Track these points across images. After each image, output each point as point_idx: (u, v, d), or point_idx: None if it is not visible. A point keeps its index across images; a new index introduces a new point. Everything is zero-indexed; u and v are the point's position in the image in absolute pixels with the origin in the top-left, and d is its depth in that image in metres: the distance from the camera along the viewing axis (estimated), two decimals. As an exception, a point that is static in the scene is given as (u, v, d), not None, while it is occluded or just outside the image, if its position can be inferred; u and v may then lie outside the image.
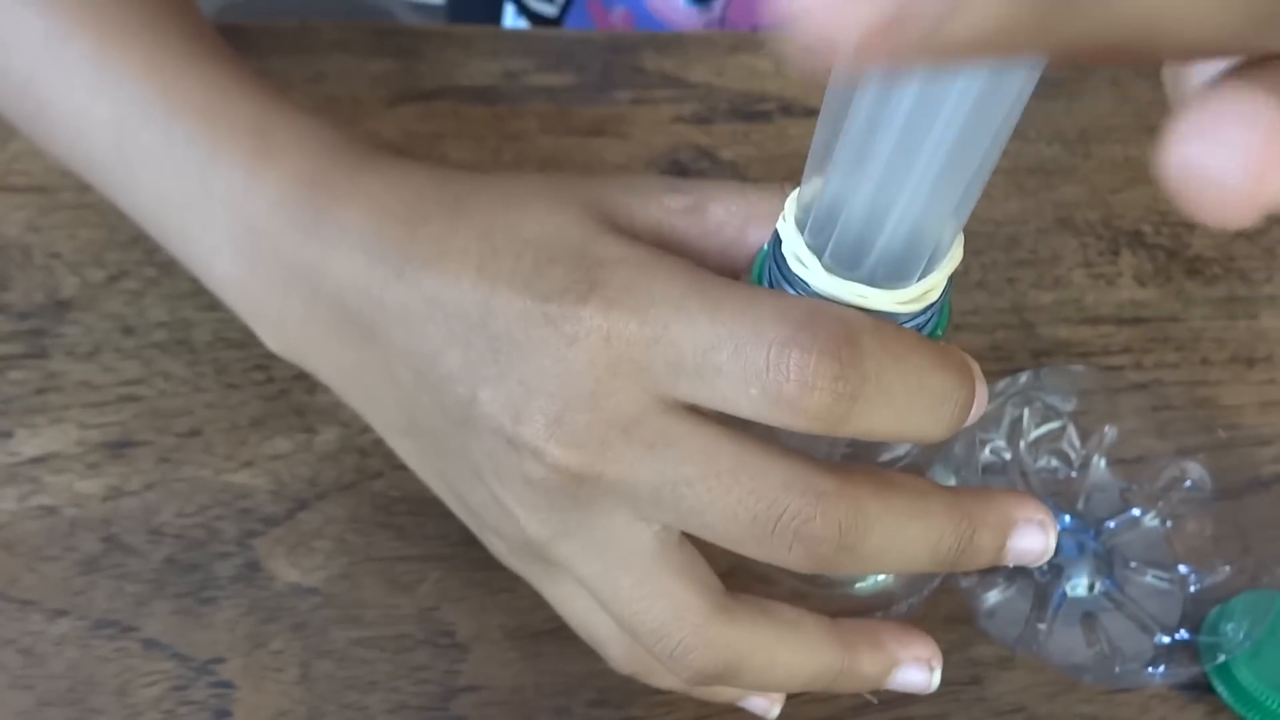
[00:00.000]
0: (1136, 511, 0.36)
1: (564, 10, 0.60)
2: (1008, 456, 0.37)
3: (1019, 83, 0.17)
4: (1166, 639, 0.33)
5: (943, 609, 0.34)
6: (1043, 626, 0.33)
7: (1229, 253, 0.44)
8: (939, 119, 0.18)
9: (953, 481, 0.33)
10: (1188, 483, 0.36)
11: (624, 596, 0.24)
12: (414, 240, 0.25)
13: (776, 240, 0.22)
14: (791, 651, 0.24)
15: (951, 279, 0.22)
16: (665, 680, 0.28)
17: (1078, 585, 0.35)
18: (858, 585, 0.28)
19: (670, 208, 0.25)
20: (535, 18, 0.61)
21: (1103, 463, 0.37)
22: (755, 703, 0.29)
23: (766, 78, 0.46)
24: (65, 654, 0.30)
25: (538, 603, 0.28)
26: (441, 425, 0.26)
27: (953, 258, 0.21)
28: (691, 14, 0.58)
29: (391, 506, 0.34)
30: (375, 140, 0.42)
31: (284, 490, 0.34)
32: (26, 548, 0.32)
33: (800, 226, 0.22)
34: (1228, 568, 0.34)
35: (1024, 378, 0.37)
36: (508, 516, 0.25)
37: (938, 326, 0.23)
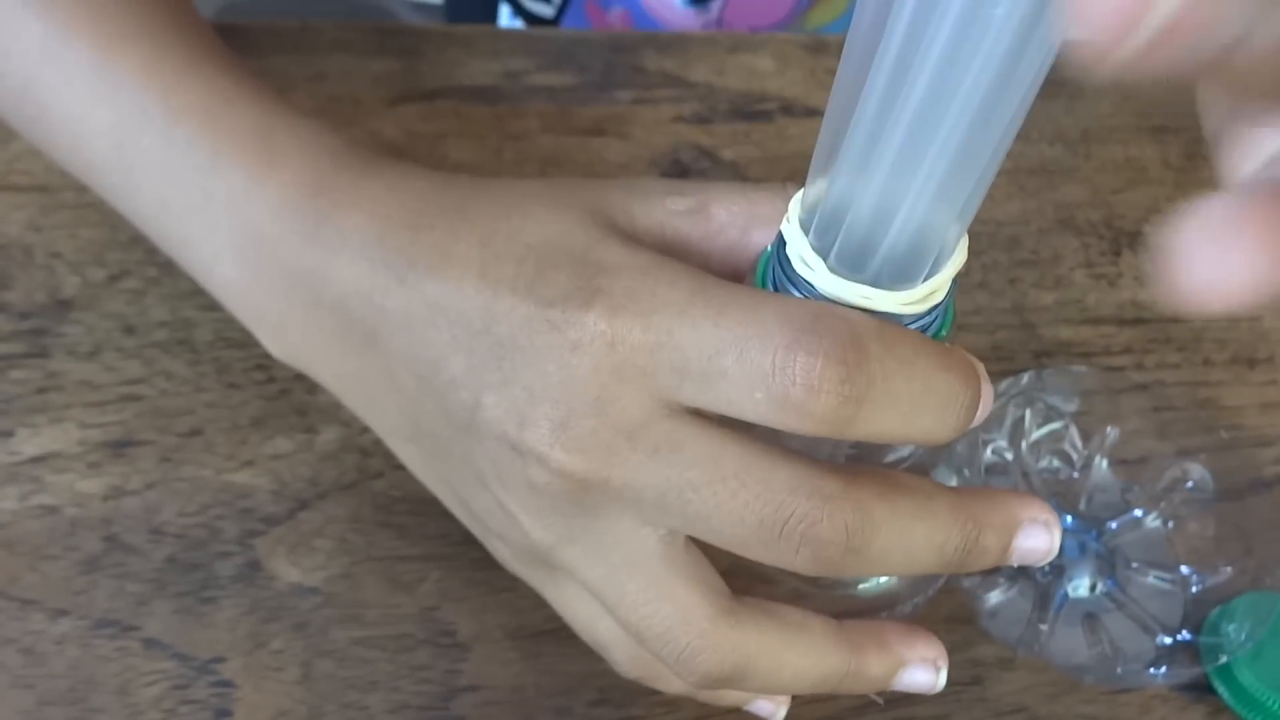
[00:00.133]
0: (1138, 512, 0.36)
1: (561, 11, 0.60)
2: (1010, 457, 0.37)
3: (1025, 84, 0.17)
4: (1168, 640, 0.33)
5: (944, 609, 0.34)
6: (1044, 627, 0.33)
7: (1230, 253, 0.44)
8: (945, 121, 0.18)
9: (955, 482, 0.33)
10: (1189, 483, 0.36)
11: (629, 601, 0.24)
12: (416, 246, 0.25)
13: (781, 242, 0.22)
14: (798, 654, 0.24)
15: (956, 280, 0.22)
16: (670, 685, 0.28)
17: (1079, 586, 0.35)
18: (861, 586, 0.28)
19: (673, 210, 0.25)
20: (531, 18, 0.61)
21: (1104, 463, 0.37)
22: (761, 706, 0.29)
23: (767, 77, 0.46)
24: (66, 653, 0.30)
25: (538, 602, 0.28)
26: (445, 431, 0.26)
27: (957, 259, 0.21)
28: (689, 15, 0.58)
29: (392, 506, 0.34)
30: (376, 140, 0.42)
31: (285, 490, 0.34)
32: (27, 547, 0.32)
33: (805, 228, 0.22)
34: (1229, 569, 0.34)
35: (1026, 378, 0.37)
36: (512, 522, 0.25)
37: (942, 327, 0.23)
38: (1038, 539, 0.24)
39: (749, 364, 0.21)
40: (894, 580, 0.29)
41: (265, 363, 0.36)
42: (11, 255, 0.37)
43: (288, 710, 0.30)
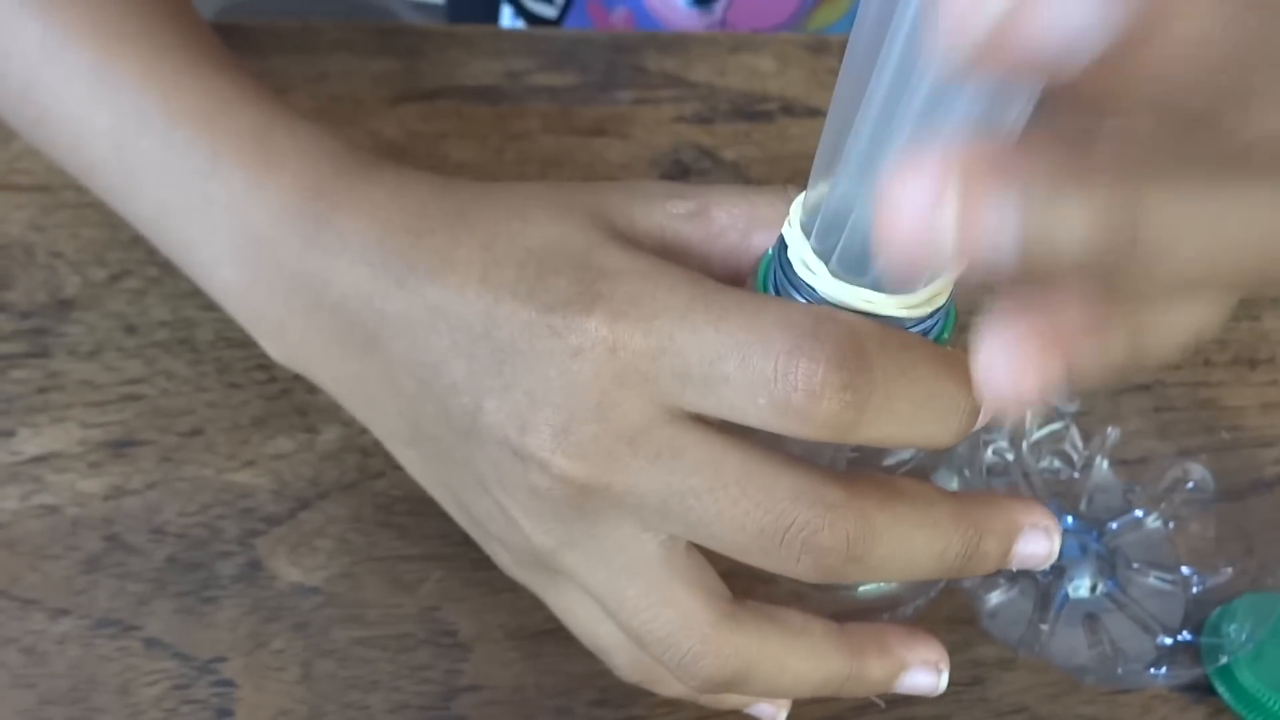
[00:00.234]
0: (1139, 513, 0.36)
1: (563, 12, 0.60)
2: (1010, 457, 0.37)
3: (1030, 89, 0.17)
4: (1169, 640, 0.34)
5: (945, 610, 0.34)
6: (1045, 627, 0.33)
7: (1231, 254, 0.44)
8: (949, 122, 0.18)
9: (957, 483, 0.33)
10: (1190, 484, 0.36)
11: (631, 606, 0.24)
12: (417, 251, 0.25)
13: (782, 245, 0.22)
14: (799, 658, 0.24)
15: (956, 283, 0.22)
16: (671, 689, 0.28)
17: (1080, 586, 0.35)
18: (862, 589, 0.28)
19: (673, 213, 0.25)
20: (533, 19, 0.61)
21: (1105, 464, 0.37)
22: (762, 708, 0.29)
23: (768, 77, 0.46)
24: (67, 653, 0.30)
25: (539, 603, 0.28)
26: (445, 435, 0.26)
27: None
28: (692, 16, 0.58)
29: (393, 506, 0.34)
30: (377, 140, 0.42)
31: (286, 490, 0.34)
32: (28, 547, 0.32)
33: (806, 231, 0.22)
34: (1230, 569, 0.35)
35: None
36: (513, 526, 0.25)
37: (944, 331, 0.22)
38: (1038, 544, 0.24)
39: (751, 369, 0.21)
40: (895, 584, 0.29)
41: (266, 362, 0.36)
42: (13, 255, 0.37)
43: (289, 710, 0.30)
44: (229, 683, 0.30)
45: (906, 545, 0.22)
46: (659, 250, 0.25)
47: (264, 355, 0.29)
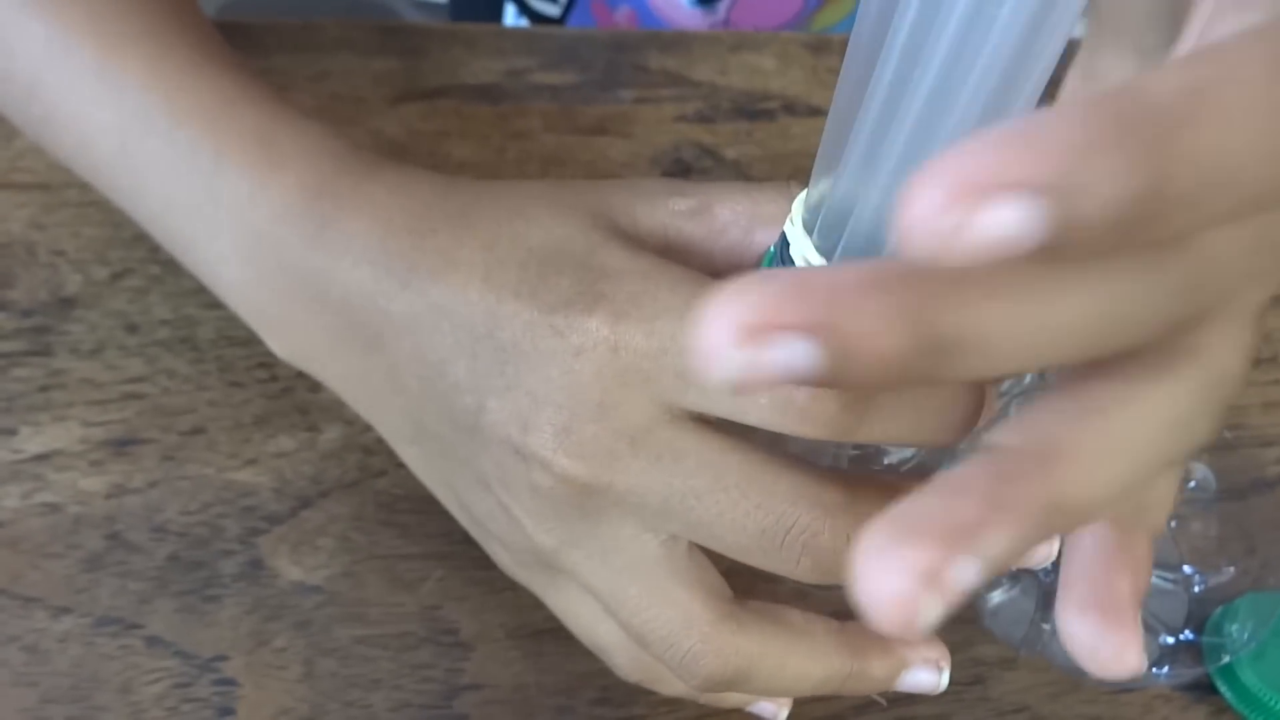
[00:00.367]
0: (1140, 512, 0.36)
1: (567, 10, 0.60)
2: (1012, 456, 0.37)
3: (1030, 83, 0.17)
4: (1171, 639, 0.33)
5: (946, 609, 0.34)
6: (1047, 626, 0.33)
7: (1233, 253, 0.44)
8: (950, 120, 0.18)
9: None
10: (1192, 483, 0.36)
11: (632, 605, 0.24)
12: (420, 251, 0.25)
13: (784, 242, 0.22)
14: (801, 657, 0.24)
15: None
16: (672, 688, 0.28)
17: (1081, 585, 0.35)
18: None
19: (675, 210, 0.25)
20: (537, 17, 0.61)
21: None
22: (763, 707, 0.29)
23: (770, 76, 0.46)
24: (69, 651, 0.30)
25: (540, 601, 0.28)
26: (449, 433, 0.26)
27: None
28: (695, 15, 0.58)
29: (395, 504, 0.34)
30: (379, 139, 0.42)
31: (287, 488, 0.34)
32: (30, 545, 0.32)
33: (808, 228, 0.22)
34: (1232, 568, 0.34)
35: (1029, 378, 0.37)
36: (515, 526, 0.25)
37: None
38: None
39: None
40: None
41: (268, 361, 0.36)
42: (14, 253, 0.37)
43: (290, 708, 0.30)
44: (230, 681, 0.30)
45: None
46: (661, 248, 0.25)
47: (266, 354, 0.29)
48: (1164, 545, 0.36)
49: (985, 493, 0.14)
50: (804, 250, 0.22)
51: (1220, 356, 0.16)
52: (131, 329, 0.36)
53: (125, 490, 0.33)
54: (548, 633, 0.32)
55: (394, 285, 0.25)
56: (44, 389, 0.34)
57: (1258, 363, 0.41)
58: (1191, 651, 0.33)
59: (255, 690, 0.30)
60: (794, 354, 0.13)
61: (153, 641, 0.31)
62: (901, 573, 0.13)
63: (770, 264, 0.23)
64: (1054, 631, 0.33)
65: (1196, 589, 0.35)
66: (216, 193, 0.28)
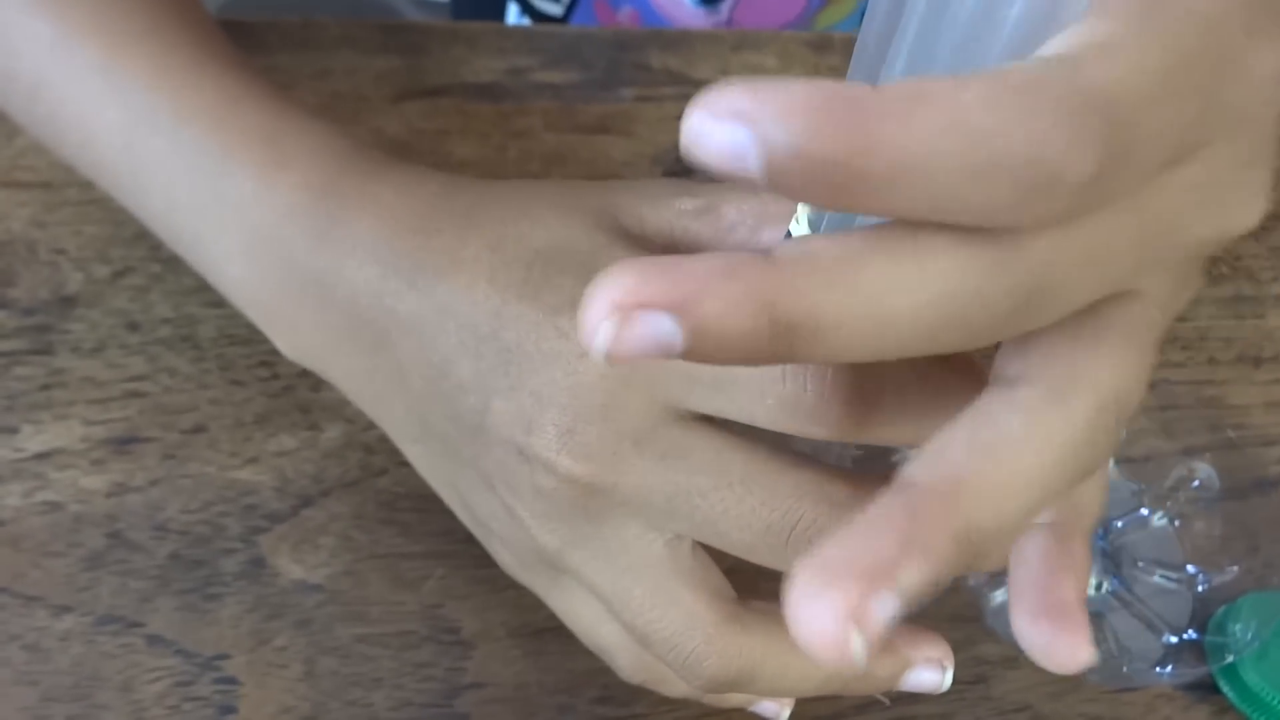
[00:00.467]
0: (1144, 511, 0.36)
1: (569, 9, 0.60)
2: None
3: None
4: (1174, 639, 0.33)
5: (949, 607, 0.34)
6: (1049, 626, 0.33)
7: (1236, 252, 0.44)
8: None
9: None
10: (1195, 482, 0.36)
11: (636, 605, 0.24)
12: (426, 251, 0.25)
13: None
14: (804, 658, 0.24)
15: None
16: (674, 689, 0.28)
17: (1084, 585, 0.34)
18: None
19: (682, 210, 0.25)
20: (539, 16, 0.61)
21: (1110, 462, 0.37)
22: (766, 706, 0.29)
23: (772, 75, 0.46)
24: (70, 650, 0.30)
25: (542, 600, 0.28)
26: (453, 433, 0.26)
27: None
28: (698, 14, 0.58)
29: (396, 503, 0.34)
30: (380, 137, 0.42)
31: (288, 487, 0.34)
32: (31, 543, 0.32)
33: (814, 227, 0.22)
34: (1235, 568, 0.34)
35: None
36: (518, 526, 0.25)
37: None
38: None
39: (759, 370, 0.21)
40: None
41: (269, 359, 0.36)
42: (15, 251, 0.37)
43: (291, 707, 0.30)
44: (232, 680, 0.30)
45: None
46: (668, 248, 0.25)
47: (267, 352, 0.29)
48: (1168, 545, 0.36)
49: (900, 531, 0.15)
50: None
51: (1112, 381, 0.17)
52: (133, 327, 0.36)
53: (126, 489, 0.33)
54: (549, 631, 0.32)
55: (400, 285, 0.25)
56: (45, 387, 0.34)
57: (1259, 362, 0.41)
58: (1194, 651, 0.33)
59: (256, 689, 0.30)
60: (657, 329, 0.15)
61: (154, 640, 0.31)
62: (830, 613, 0.14)
63: None
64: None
65: (1200, 588, 0.35)
66: (222, 191, 0.28)
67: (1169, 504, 0.36)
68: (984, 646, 0.33)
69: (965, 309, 0.16)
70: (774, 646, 0.24)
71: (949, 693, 0.26)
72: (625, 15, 0.59)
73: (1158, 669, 0.32)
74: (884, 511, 0.15)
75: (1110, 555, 0.35)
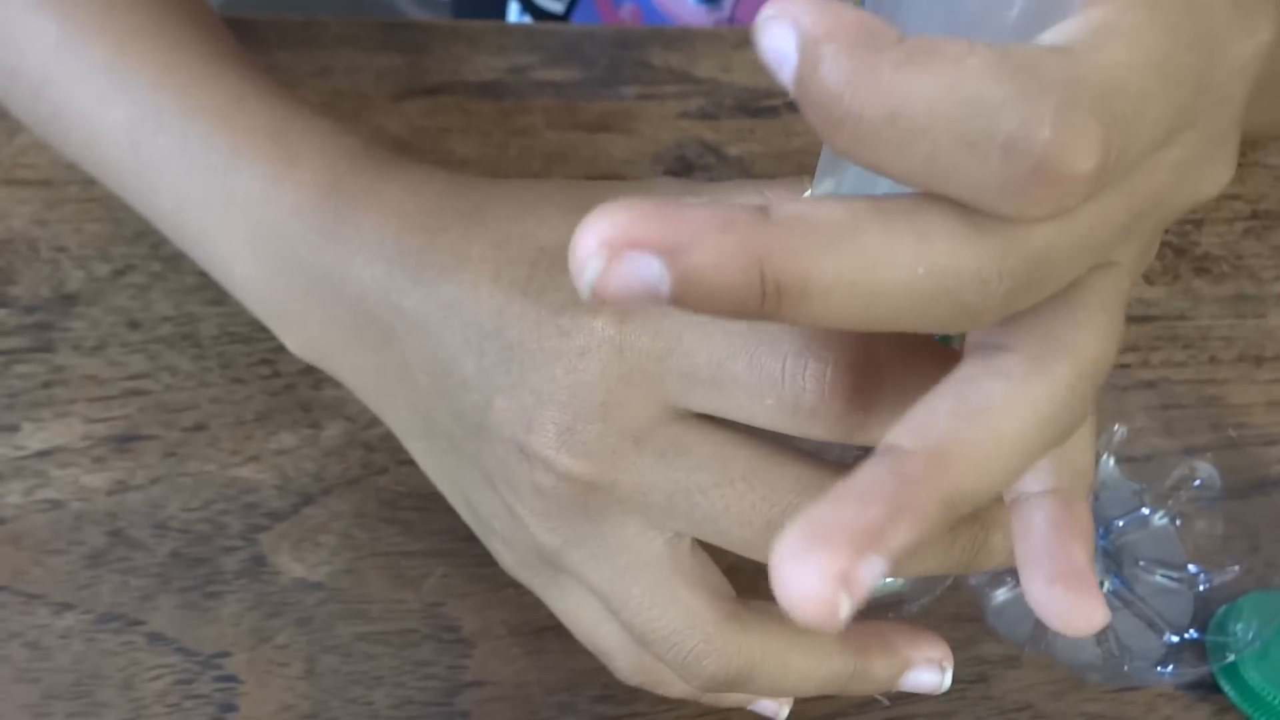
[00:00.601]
0: (1145, 510, 0.36)
1: (570, 7, 0.60)
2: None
3: None
4: (1175, 638, 0.33)
5: (950, 606, 0.33)
6: (1050, 625, 0.33)
7: (1238, 251, 0.44)
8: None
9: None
10: (1197, 481, 0.36)
11: (635, 605, 0.24)
12: (432, 248, 0.25)
13: None
14: (804, 657, 0.24)
15: None
16: (673, 690, 0.28)
17: (1085, 584, 0.34)
18: (866, 585, 0.28)
19: None
20: (540, 14, 0.61)
21: (1111, 461, 0.37)
22: (765, 705, 0.29)
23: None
24: (71, 647, 0.30)
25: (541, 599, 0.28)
26: (456, 430, 0.26)
27: None
28: (700, 12, 0.58)
29: (397, 502, 0.34)
30: (381, 136, 0.42)
31: (289, 485, 0.34)
32: (32, 541, 0.32)
33: None
34: (1236, 567, 0.34)
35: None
36: (518, 524, 0.25)
37: None
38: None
39: (759, 370, 0.21)
40: (900, 581, 0.28)
41: (270, 357, 0.36)
42: (16, 249, 0.37)
43: (292, 705, 0.30)
44: (232, 678, 0.30)
45: None
46: None
47: (268, 350, 0.29)
48: (1169, 544, 0.36)
49: (889, 496, 0.15)
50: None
51: (1090, 348, 0.18)
52: (133, 325, 0.36)
53: (127, 487, 0.33)
54: (550, 630, 0.32)
55: (406, 281, 0.25)
56: (46, 385, 0.34)
57: (1261, 361, 0.41)
58: (1195, 650, 0.33)
59: (257, 687, 0.30)
60: (645, 271, 0.15)
61: (155, 638, 0.31)
62: (818, 576, 0.14)
63: None
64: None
65: (1201, 588, 0.35)
66: (230, 189, 0.28)
67: (1170, 503, 0.36)
68: (985, 646, 0.33)
69: (960, 288, 0.16)
70: (774, 646, 0.24)
71: (951, 692, 0.26)
72: (627, 13, 0.59)
73: (1159, 668, 0.32)
74: (873, 477, 0.16)
75: (1111, 554, 0.35)
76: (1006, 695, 0.33)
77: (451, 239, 0.25)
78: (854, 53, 0.15)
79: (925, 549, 0.23)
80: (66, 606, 0.31)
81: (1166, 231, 0.44)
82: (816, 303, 0.16)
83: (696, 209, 0.15)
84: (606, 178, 0.42)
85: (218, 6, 0.35)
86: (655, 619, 0.24)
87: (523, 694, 0.31)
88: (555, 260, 0.24)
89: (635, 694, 0.31)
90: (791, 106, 0.45)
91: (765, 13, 0.15)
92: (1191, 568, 0.35)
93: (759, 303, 0.15)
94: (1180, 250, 0.44)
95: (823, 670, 0.25)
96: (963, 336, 0.23)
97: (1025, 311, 0.18)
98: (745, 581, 0.25)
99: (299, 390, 0.35)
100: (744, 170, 0.43)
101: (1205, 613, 0.34)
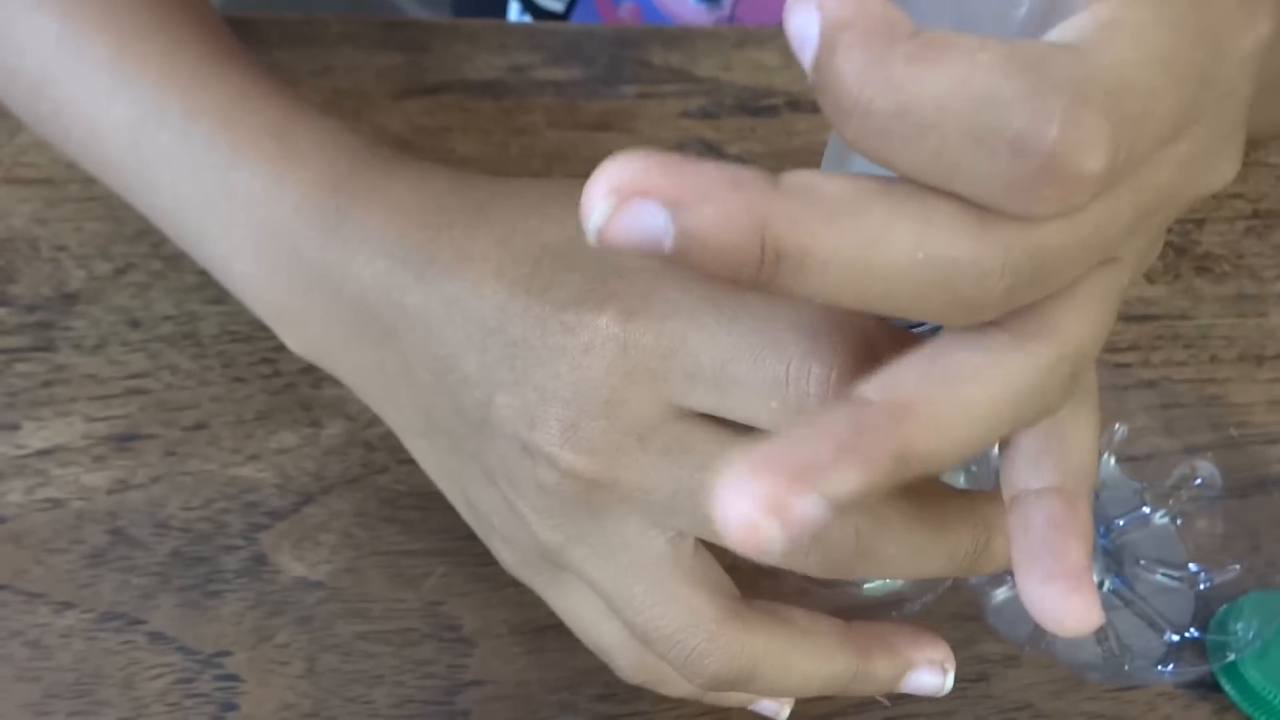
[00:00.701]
0: (1146, 509, 0.36)
1: (570, 6, 0.60)
2: (1016, 454, 0.37)
3: None
4: (1175, 637, 0.33)
5: (951, 606, 0.33)
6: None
7: (1238, 250, 0.44)
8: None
9: (964, 478, 0.33)
10: (1198, 480, 0.36)
11: (637, 603, 0.24)
12: (436, 245, 0.25)
13: None
14: (805, 657, 0.24)
15: None
16: (674, 689, 0.28)
17: (1086, 583, 0.34)
18: (867, 586, 0.28)
19: None
20: (540, 13, 0.61)
21: (1112, 460, 0.37)
22: (765, 705, 0.29)
23: (774, 72, 0.46)
24: (72, 646, 0.30)
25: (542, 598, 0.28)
26: (458, 428, 0.26)
27: None
28: (700, 11, 0.58)
29: (397, 501, 0.34)
30: (382, 134, 0.42)
31: (290, 484, 0.34)
32: (33, 540, 0.32)
33: None
34: (1237, 566, 0.34)
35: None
36: (520, 522, 0.25)
37: None
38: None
39: (763, 372, 0.21)
40: (901, 580, 0.29)
41: (270, 357, 0.36)
42: (17, 248, 0.37)
43: (292, 704, 0.30)
44: (233, 677, 0.30)
45: (915, 543, 0.22)
46: None
47: (268, 350, 0.29)
48: (1169, 543, 0.36)
49: (837, 439, 0.15)
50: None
51: (1076, 334, 0.18)
52: (134, 324, 0.36)
53: (128, 486, 0.33)
54: (550, 629, 0.32)
55: (409, 278, 0.25)
56: (47, 384, 0.34)
57: (1262, 361, 0.41)
58: (1196, 649, 0.33)
59: (258, 686, 0.30)
60: (650, 220, 0.15)
61: (155, 637, 0.31)
62: (750, 502, 0.15)
63: None
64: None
65: (1201, 587, 0.35)
66: (231, 187, 0.28)
67: (1171, 502, 0.36)
68: (985, 645, 0.33)
69: (958, 279, 0.16)
70: (776, 645, 0.24)
71: (951, 691, 0.26)
72: (627, 12, 0.59)
73: (1159, 667, 0.32)
74: (829, 420, 0.16)
75: (1112, 554, 0.35)
76: (1007, 694, 0.33)
77: (454, 236, 0.25)
78: (868, 44, 0.15)
79: (925, 549, 0.23)
80: (67, 605, 0.31)
81: (1168, 230, 0.44)
82: (814, 274, 0.16)
83: (707, 166, 0.15)
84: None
85: (218, 5, 0.35)
86: (657, 617, 0.24)
87: (523, 693, 0.31)
88: (559, 258, 0.24)
89: (636, 693, 0.31)
90: (792, 106, 0.45)
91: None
92: (1192, 567, 0.35)
93: (756, 268, 0.16)
94: (1181, 249, 0.44)
95: (825, 670, 0.25)
96: None
97: None
98: (746, 580, 0.25)
99: (299, 389, 0.35)
100: (744, 169, 0.43)
101: (1206, 612, 0.34)
